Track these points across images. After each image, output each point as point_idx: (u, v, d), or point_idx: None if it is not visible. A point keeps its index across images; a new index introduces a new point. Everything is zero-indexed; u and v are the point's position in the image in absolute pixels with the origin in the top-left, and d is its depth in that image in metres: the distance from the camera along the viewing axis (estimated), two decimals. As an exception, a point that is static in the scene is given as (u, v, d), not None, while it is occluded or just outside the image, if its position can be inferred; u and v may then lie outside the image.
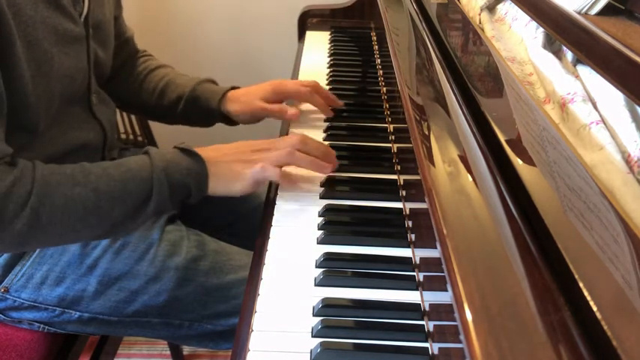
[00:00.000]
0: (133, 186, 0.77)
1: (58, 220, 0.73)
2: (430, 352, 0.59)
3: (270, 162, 0.82)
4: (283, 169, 0.85)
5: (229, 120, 1.11)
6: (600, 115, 0.54)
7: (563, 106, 0.58)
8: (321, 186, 0.88)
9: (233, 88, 1.10)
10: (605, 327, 0.35)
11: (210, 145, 0.86)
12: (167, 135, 1.75)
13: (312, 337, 0.61)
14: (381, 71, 1.28)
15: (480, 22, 0.87)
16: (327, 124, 1.07)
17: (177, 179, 0.79)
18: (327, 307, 0.64)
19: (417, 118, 0.72)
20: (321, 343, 0.59)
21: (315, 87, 1.09)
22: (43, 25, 0.78)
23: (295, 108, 1.08)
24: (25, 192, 0.71)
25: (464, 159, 0.58)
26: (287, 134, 1.05)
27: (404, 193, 0.84)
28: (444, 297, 0.50)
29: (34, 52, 0.77)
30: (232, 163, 0.83)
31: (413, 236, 0.74)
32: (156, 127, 1.66)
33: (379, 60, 1.33)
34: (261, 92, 1.07)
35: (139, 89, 1.12)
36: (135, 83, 1.12)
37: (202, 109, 1.09)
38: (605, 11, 0.61)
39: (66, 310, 0.88)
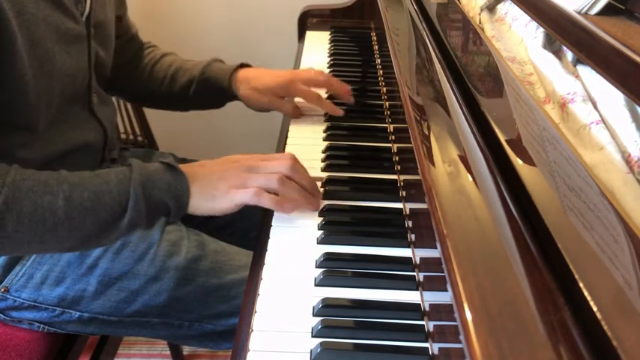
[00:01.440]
0: (109, 199, 0.73)
1: (25, 227, 0.69)
2: (430, 352, 0.59)
3: (260, 187, 0.78)
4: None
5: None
6: (600, 115, 0.54)
7: (563, 106, 0.58)
8: (321, 186, 0.87)
9: (242, 65, 1.10)
10: (605, 327, 0.35)
11: (196, 162, 0.83)
12: (167, 135, 1.75)
13: (312, 337, 0.61)
14: (381, 71, 1.28)
15: (479, 22, 0.87)
16: (328, 124, 1.07)
17: (155, 195, 0.75)
18: (327, 307, 0.64)
19: (417, 118, 0.72)
20: (321, 343, 0.59)
21: (327, 83, 1.10)
22: (45, 24, 0.78)
23: (300, 110, 1.11)
24: None
25: (464, 159, 0.58)
26: (286, 135, 1.05)
27: (404, 193, 0.84)
28: (444, 297, 0.50)
29: (37, 51, 0.77)
30: (218, 182, 0.78)
31: (413, 236, 0.74)
32: (156, 127, 1.66)
33: (379, 60, 1.33)
34: (272, 89, 1.06)
35: (148, 80, 1.13)
36: (143, 75, 1.13)
37: (214, 90, 1.09)
38: (605, 11, 0.61)
39: (66, 310, 0.88)
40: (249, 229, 1.12)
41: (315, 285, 0.69)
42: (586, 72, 0.61)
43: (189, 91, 1.10)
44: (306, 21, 1.64)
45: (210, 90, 1.10)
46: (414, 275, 0.69)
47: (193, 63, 1.12)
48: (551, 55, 0.67)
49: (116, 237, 0.76)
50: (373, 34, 1.53)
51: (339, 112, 1.09)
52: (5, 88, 0.75)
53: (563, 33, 0.63)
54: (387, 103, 1.12)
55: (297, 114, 1.11)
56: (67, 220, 0.71)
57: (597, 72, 0.55)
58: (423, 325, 0.62)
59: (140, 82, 1.14)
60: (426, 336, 0.61)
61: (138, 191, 0.74)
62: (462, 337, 0.41)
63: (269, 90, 1.07)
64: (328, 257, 0.72)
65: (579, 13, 0.61)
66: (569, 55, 0.67)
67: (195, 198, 0.77)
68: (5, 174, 0.70)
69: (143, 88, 1.14)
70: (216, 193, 0.77)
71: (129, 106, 1.60)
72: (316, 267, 0.71)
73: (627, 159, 0.48)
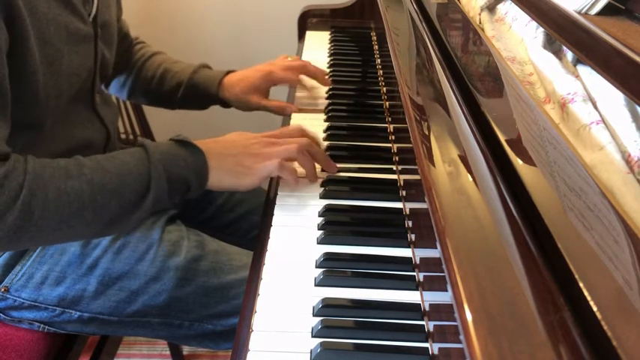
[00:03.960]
0: (130, 179, 0.75)
1: (51, 213, 0.71)
2: (430, 352, 0.59)
3: (279, 157, 0.83)
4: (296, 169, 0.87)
5: (226, 103, 1.16)
6: (600, 115, 0.54)
7: (563, 106, 0.58)
8: (321, 186, 0.88)
9: (229, 72, 1.15)
10: (605, 327, 0.35)
11: (207, 139, 0.85)
12: (167, 136, 1.75)
13: (312, 337, 0.61)
14: (381, 71, 1.28)
15: (480, 22, 0.87)
16: (328, 124, 1.07)
17: (175, 173, 0.78)
18: (327, 307, 0.64)
19: (417, 118, 0.72)
20: (321, 343, 0.59)
21: (302, 67, 1.17)
22: (55, 23, 0.79)
23: (291, 105, 1.15)
24: (16, 185, 0.69)
25: (464, 159, 0.58)
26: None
27: (404, 193, 0.84)
28: (444, 297, 0.50)
29: (47, 50, 0.78)
30: (240, 157, 0.82)
31: (413, 236, 0.74)
32: (156, 127, 1.66)
33: (379, 60, 1.33)
34: (254, 84, 1.12)
35: (137, 76, 1.16)
36: (133, 71, 1.16)
37: (201, 95, 1.14)
38: (605, 11, 0.61)
39: (66, 310, 0.88)
40: (249, 229, 1.12)
41: (315, 285, 0.69)
42: (586, 72, 0.61)
43: (177, 93, 1.14)
44: (306, 21, 1.64)
45: (197, 95, 1.14)
46: (414, 275, 0.69)
47: (182, 66, 1.16)
48: (551, 55, 0.67)
49: (140, 217, 0.78)
50: (373, 34, 1.53)
51: (326, 82, 1.19)
52: (17, 85, 0.76)
53: (563, 33, 0.63)
54: (387, 103, 1.12)
55: (287, 111, 1.14)
56: (92, 204, 0.73)
57: (597, 72, 0.55)
58: (423, 325, 0.62)
59: (129, 78, 1.17)
60: (426, 336, 0.61)
61: (159, 168, 0.76)
62: (462, 337, 0.41)
63: (253, 87, 1.12)
64: (328, 257, 0.72)
65: (579, 13, 0.61)
66: (569, 55, 0.67)
67: (216, 172, 0.81)
68: (24, 162, 0.71)
69: (132, 84, 1.17)
70: (240, 169, 0.81)
71: (129, 106, 1.61)
72: (316, 267, 0.71)
73: (627, 159, 0.48)
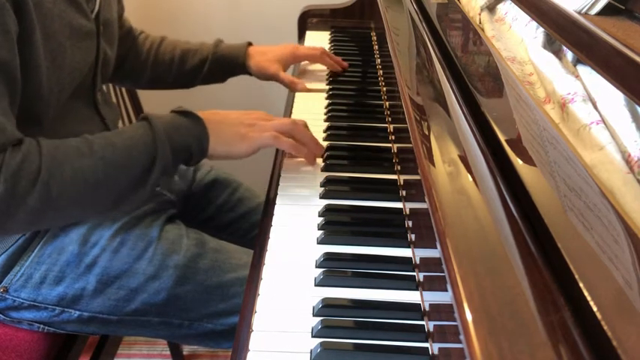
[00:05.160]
0: (137, 152, 0.78)
1: (69, 192, 0.74)
2: (430, 352, 0.59)
3: (275, 129, 0.87)
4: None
5: (249, 73, 1.24)
6: (600, 115, 0.54)
7: (563, 106, 0.58)
8: (321, 186, 0.88)
9: (249, 43, 1.25)
10: (605, 327, 0.35)
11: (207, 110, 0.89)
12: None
13: (312, 337, 0.61)
14: (381, 71, 1.28)
15: (480, 22, 0.87)
16: (327, 124, 1.07)
17: (178, 141, 0.81)
18: (327, 307, 0.64)
19: (417, 118, 0.72)
20: (321, 343, 0.59)
21: (323, 51, 1.28)
22: (60, 19, 0.81)
23: (302, 82, 1.23)
24: (35, 167, 0.72)
25: (464, 159, 0.58)
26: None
27: (404, 193, 0.84)
28: (444, 297, 0.50)
29: (51, 44, 0.79)
30: (236, 126, 0.86)
31: (413, 236, 0.74)
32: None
33: (379, 60, 1.33)
34: (279, 56, 1.22)
35: (155, 63, 1.20)
36: (148, 60, 1.20)
37: (227, 66, 1.22)
38: (605, 11, 0.61)
39: (65, 310, 0.88)
40: (249, 229, 1.12)
41: (315, 285, 0.69)
42: (586, 72, 0.61)
43: (202, 69, 1.20)
44: (306, 21, 1.64)
45: (223, 67, 1.22)
46: (414, 275, 0.69)
47: (197, 44, 1.23)
48: (551, 55, 0.67)
49: (149, 190, 0.80)
50: (373, 34, 1.53)
51: (344, 64, 1.29)
52: (21, 79, 0.76)
53: (563, 33, 0.63)
54: (387, 103, 1.12)
55: (299, 87, 1.22)
56: (105, 179, 0.76)
57: (597, 72, 0.55)
58: (423, 325, 0.62)
59: (145, 67, 1.20)
60: (426, 336, 0.61)
61: (162, 138, 0.79)
62: (462, 337, 0.41)
63: (277, 58, 1.22)
64: (328, 257, 0.72)
65: (579, 13, 0.61)
66: (569, 55, 0.67)
67: (212, 141, 0.84)
68: (37, 145, 0.74)
69: (151, 71, 1.21)
70: (235, 137, 0.85)
71: (129, 106, 1.61)
72: (316, 267, 0.71)
73: (627, 159, 0.48)
